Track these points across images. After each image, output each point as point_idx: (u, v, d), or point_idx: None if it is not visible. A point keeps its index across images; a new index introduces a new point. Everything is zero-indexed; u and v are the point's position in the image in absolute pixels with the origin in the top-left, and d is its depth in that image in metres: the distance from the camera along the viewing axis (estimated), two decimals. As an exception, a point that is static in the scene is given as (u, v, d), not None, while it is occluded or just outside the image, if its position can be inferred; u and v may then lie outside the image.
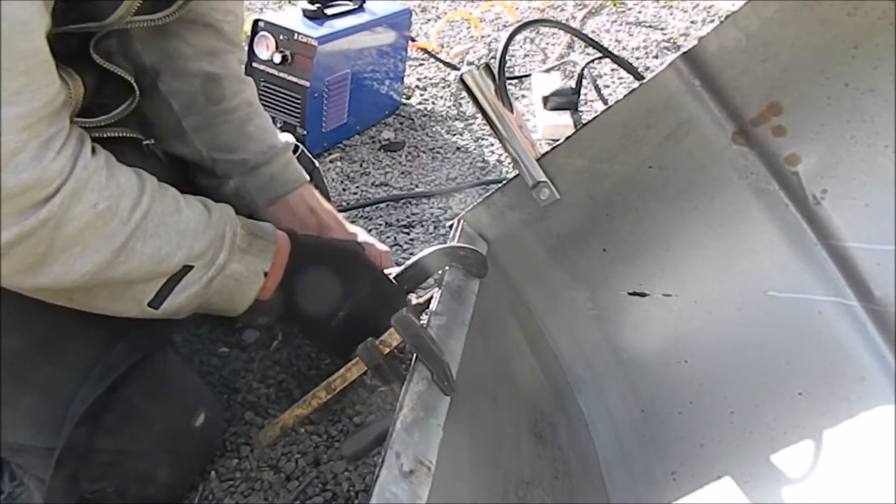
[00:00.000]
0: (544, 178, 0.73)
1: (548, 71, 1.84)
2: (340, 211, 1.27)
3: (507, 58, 1.95)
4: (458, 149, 1.54)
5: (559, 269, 0.80)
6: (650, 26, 2.19)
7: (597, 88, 1.75)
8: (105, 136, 0.70)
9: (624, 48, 2.03)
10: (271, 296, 0.68)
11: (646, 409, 0.78)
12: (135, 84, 0.71)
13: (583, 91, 1.66)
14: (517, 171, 0.74)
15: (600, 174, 0.73)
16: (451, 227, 0.79)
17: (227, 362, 0.91)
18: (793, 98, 0.63)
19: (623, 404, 0.79)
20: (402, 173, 1.43)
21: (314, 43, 1.31)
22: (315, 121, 1.40)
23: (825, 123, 0.63)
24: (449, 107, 1.71)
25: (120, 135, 0.72)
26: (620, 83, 1.80)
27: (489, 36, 2.10)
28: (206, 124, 0.78)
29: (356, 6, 1.45)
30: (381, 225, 1.25)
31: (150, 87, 0.75)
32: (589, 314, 0.80)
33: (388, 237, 1.22)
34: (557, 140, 0.73)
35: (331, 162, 1.45)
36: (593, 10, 2.31)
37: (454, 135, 1.59)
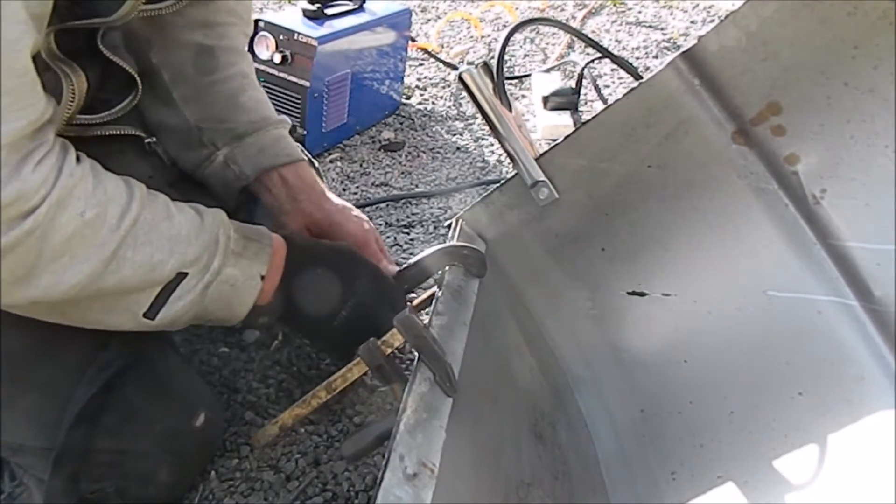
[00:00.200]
0: (543, 178, 0.73)
1: (548, 71, 1.84)
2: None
3: (508, 58, 1.95)
4: (458, 149, 1.54)
5: (558, 268, 0.80)
6: (650, 26, 2.19)
7: (597, 88, 1.75)
8: (106, 133, 0.70)
9: (624, 48, 2.03)
10: (270, 299, 0.67)
11: (645, 409, 0.78)
12: (138, 78, 0.70)
13: (583, 91, 1.66)
14: (516, 171, 0.74)
15: (599, 174, 0.73)
16: (450, 226, 0.79)
17: (227, 362, 0.91)
18: (792, 97, 0.63)
19: (623, 404, 0.79)
20: (402, 173, 1.43)
21: (314, 43, 1.31)
22: (315, 121, 1.40)
23: (825, 123, 0.63)
24: (449, 107, 1.71)
25: (121, 133, 0.72)
26: (620, 83, 1.80)
27: (489, 36, 2.10)
28: (196, 95, 0.77)
29: (356, 6, 1.45)
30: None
31: (143, 58, 0.75)
32: (588, 314, 0.80)
33: (388, 237, 1.22)
34: (557, 140, 0.73)
35: (331, 162, 1.45)
36: (593, 10, 2.31)
37: (454, 135, 1.59)
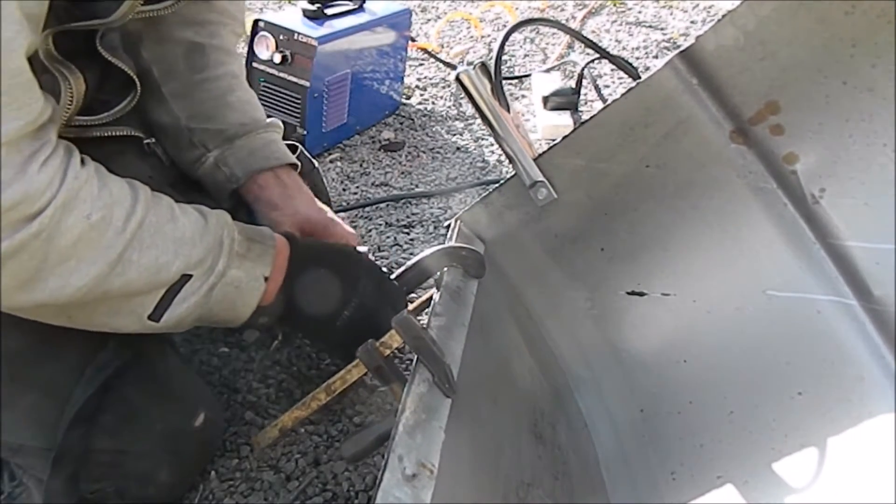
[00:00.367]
0: (542, 178, 0.73)
1: (548, 71, 1.84)
2: (340, 211, 1.28)
3: (508, 58, 1.95)
4: (458, 149, 1.54)
5: (557, 268, 0.80)
6: (650, 26, 2.18)
7: (597, 88, 1.75)
8: (106, 134, 0.70)
9: (624, 48, 2.03)
10: (273, 300, 0.67)
11: (645, 409, 0.77)
12: (136, 79, 0.70)
13: (583, 91, 1.66)
14: (515, 171, 0.74)
15: (598, 173, 0.73)
16: (449, 227, 0.79)
17: (227, 362, 0.91)
18: (791, 96, 0.63)
19: (622, 404, 0.79)
20: (402, 173, 1.43)
21: (314, 43, 1.32)
22: (315, 121, 1.40)
23: (823, 122, 0.63)
24: (449, 107, 1.71)
25: (120, 133, 0.72)
26: (620, 83, 1.80)
27: (489, 36, 2.10)
28: (185, 91, 0.78)
29: (356, 6, 1.46)
30: (381, 225, 1.25)
31: (134, 53, 0.75)
32: (588, 314, 0.80)
33: (388, 237, 1.22)
34: (557, 140, 0.73)
35: (331, 162, 1.45)
36: (593, 10, 2.30)
37: (454, 135, 1.59)
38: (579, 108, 1.63)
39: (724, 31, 0.62)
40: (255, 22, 1.35)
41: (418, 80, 1.81)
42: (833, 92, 0.61)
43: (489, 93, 0.72)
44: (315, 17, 1.37)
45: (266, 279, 0.65)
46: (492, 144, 1.54)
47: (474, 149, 1.54)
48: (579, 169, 0.73)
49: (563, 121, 1.57)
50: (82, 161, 0.55)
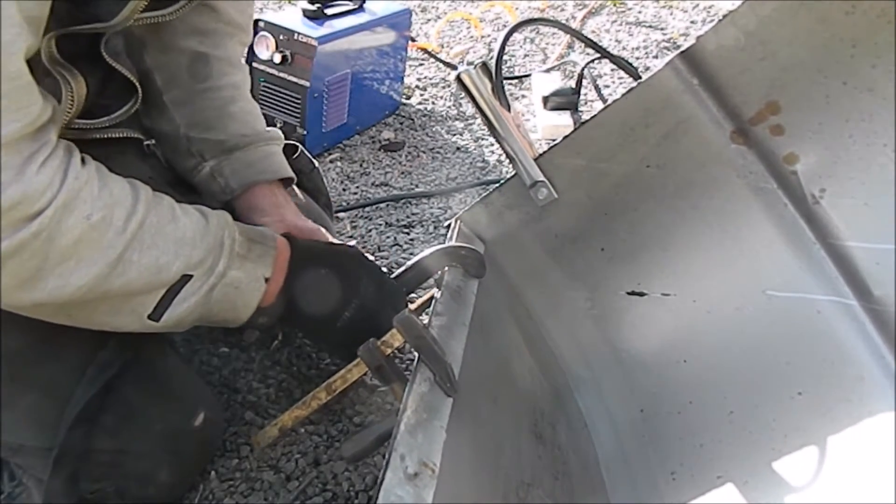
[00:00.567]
0: (542, 178, 0.73)
1: (548, 71, 1.84)
2: (340, 211, 1.28)
3: (508, 58, 1.96)
4: (458, 149, 1.54)
5: (558, 268, 0.80)
6: (650, 26, 2.18)
7: (597, 88, 1.75)
8: (106, 136, 0.70)
9: (624, 48, 2.03)
10: (274, 300, 0.67)
11: (645, 409, 0.77)
12: (138, 85, 0.70)
13: (583, 91, 1.66)
14: (515, 171, 0.74)
15: (598, 173, 0.73)
16: (449, 227, 0.79)
17: (227, 362, 0.91)
18: (791, 97, 0.63)
19: (622, 404, 0.79)
20: (402, 173, 1.43)
21: (314, 43, 1.32)
22: (315, 121, 1.40)
23: (824, 122, 0.63)
24: (449, 107, 1.71)
25: (120, 135, 0.72)
26: (620, 83, 1.80)
27: (489, 36, 2.10)
28: (187, 100, 0.77)
29: (356, 6, 1.46)
30: (381, 225, 1.25)
31: (137, 60, 0.75)
32: (588, 314, 0.80)
33: (388, 237, 1.22)
34: (557, 140, 0.73)
35: (331, 162, 1.45)
36: (593, 10, 2.31)
37: (454, 135, 1.59)
38: (579, 108, 1.63)
39: (724, 31, 0.62)
40: (256, 22, 1.35)
41: (418, 80, 1.81)
42: (833, 92, 0.61)
43: (489, 93, 0.72)
44: (315, 17, 1.37)
45: (267, 280, 0.65)
46: (492, 144, 1.54)
47: (474, 149, 1.54)
48: (579, 169, 0.73)
49: (563, 121, 1.57)
50: (83, 161, 0.55)
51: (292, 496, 0.75)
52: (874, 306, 0.65)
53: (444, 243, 0.73)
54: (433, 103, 1.72)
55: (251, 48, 1.36)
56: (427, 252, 0.71)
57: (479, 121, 1.62)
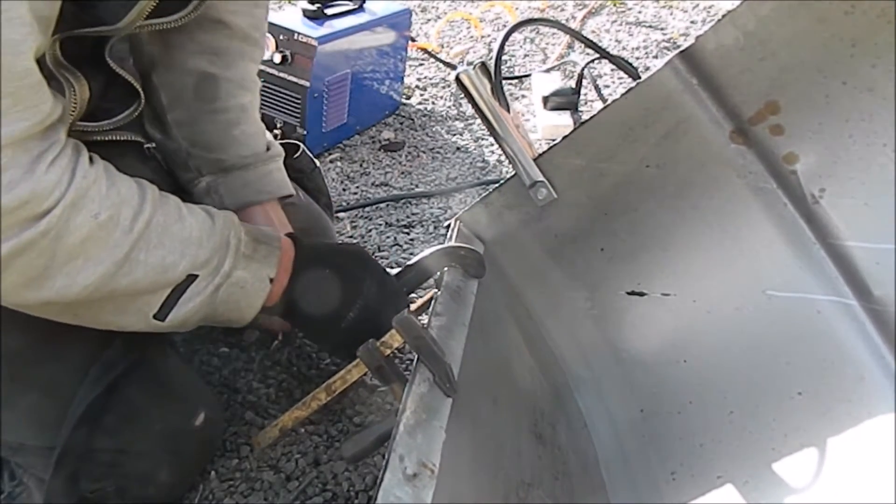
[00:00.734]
0: (541, 178, 0.73)
1: (548, 71, 1.84)
2: (340, 211, 1.28)
3: (508, 58, 1.96)
4: (458, 149, 1.54)
5: (557, 268, 0.80)
6: (650, 26, 2.18)
7: (597, 88, 1.75)
8: (107, 138, 0.70)
9: (624, 48, 2.03)
10: (278, 300, 0.67)
11: (645, 409, 0.77)
12: (141, 91, 0.70)
13: (583, 91, 1.66)
14: (515, 171, 0.74)
15: (598, 173, 0.73)
16: (449, 227, 0.79)
17: (227, 362, 0.91)
18: (791, 96, 0.63)
19: (622, 404, 0.79)
20: (402, 173, 1.43)
21: (314, 43, 1.32)
22: (315, 121, 1.40)
23: (823, 122, 0.63)
24: (449, 107, 1.71)
25: (122, 138, 0.72)
26: (620, 83, 1.80)
27: (489, 36, 2.10)
28: (190, 120, 0.77)
29: (356, 6, 1.46)
30: (381, 225, 1.25)
31: (145, 76, 0.75)
32: (588, 314, 0.80)
33: (388, 237, 1.22)
34: (557, 140, 0.73)
35: (331, 162, 1.45)
36: (593, 10, 2.30)
37: (454, 135, 1.59)
38: (579, 108, 1.63)
39: (724, 31, 0.62)
40: (255, 22, 1.35)
41: (418, 80, 1.81)
42: (833, 92, 0.61)
43: (489, 93, 0.72)
44: (315, 17, 1.37)
45: (271, 280, 0.65)
46: (492, 144, 1.54)
47: (474, 149, 1.54)
48: (579, 169, 0.73)
49: (563, 121, 1.57)
50: (91, 160, 0.55)
51: (292, 496, 0.75)
52: (874, 306, 0.65)
53: (444, 243, 0.73)
54: (433, 103, 1.72)
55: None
56: (427, 252, 0.71)
57: (479, 121, 1.62)
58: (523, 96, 1.77)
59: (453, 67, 1.86)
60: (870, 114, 0.61)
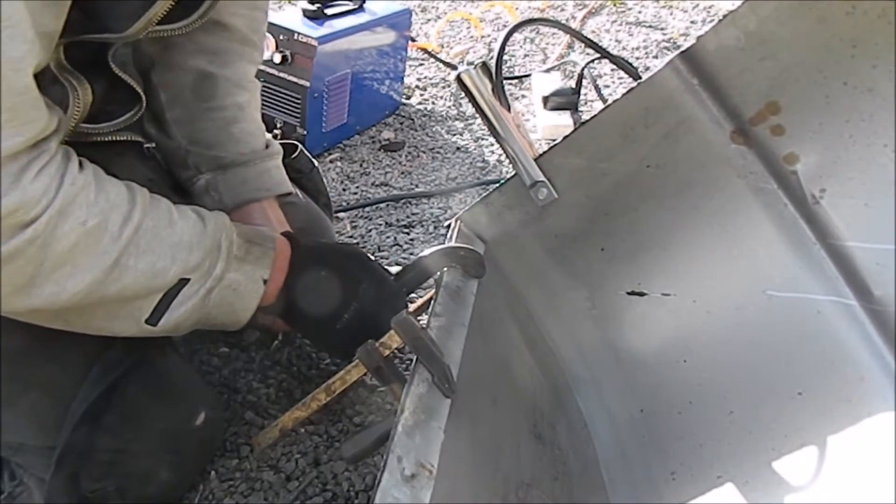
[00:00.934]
0: (542, 178, 0.73)
1: (548, 71, 1.84)
2: (340, 211, 1.28)
3: (508, 58, 1.95)
4: (458, 149, 1.54)
5: (558, 268, 0.80)
6: (650, 26, 2.18)
7: (597, 88, 1.75)
8: (107, 139, 0.70)
9: (624, 48, 2.03)
10: (274, 301, 0.67)
11: (645, 409, 0.77)
12: (143, 95, 0.71)
13: (583, 91, 1.66)
14: (515, 171, 0.74)
15: (599, 173, 0.73)
16: (449, 227, 0.79)
17: (227, 362, 0.91)
18: (791, 97, 0.63)
19: (622, 404, 0.79)
20: (402, 173, 1.43)
21: (314, 43, 1.32)
22: (315, 121, 1.40)
23: (824, 122, 0.63)
24: (449, 107, 1.71)
25: (122, 139, 0.72)
26: (620, 83, 1.80)
27: (489, 36, 2.10)
28: (189, 118, 0.78)
29: (356, 6, 1.46)
30: (381, 225, 1.25)
31: (143, 75, 0.75)
32: (588, 314, 0.80)
33: (388, 237, 1.22)
34: (557, 140, 0.73)
35: (331, 162, 1.45)
36: (593, 10, 2.30)
37: (454, 135, 1.59)
38: (579, 108, 1.63)
39: (724, 31, 0.62)
40: (256, 22, 1.35)
41: (418, 80, 1.81)
42: (833, 92, 0.61)
43: (489, 93, 0.72)
44: (315, 17, 1.37)
45: (265, 282, 0.65)
46: (492, 144, 1.54)
47: (474, 149, 1.54)
48: (579, 169, 0.73)
49: (563, 121, 1.57)
50: (81, 165, 0.55)
51: (292, 496, 0.75)
52: (874, 306, 0.65)
53: (444, 243, 0.73)
54: (433, 103, 1.72)
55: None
56: (426, 252, 0.71)
57: (479, 121, 1.62)
58: (523, 96, 1.77)
59: (453, 67, 1.86)
60: (870, 114, 0.61)
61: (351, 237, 1.22)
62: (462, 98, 1.71)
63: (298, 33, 1.32)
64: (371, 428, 0.61)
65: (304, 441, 0.81)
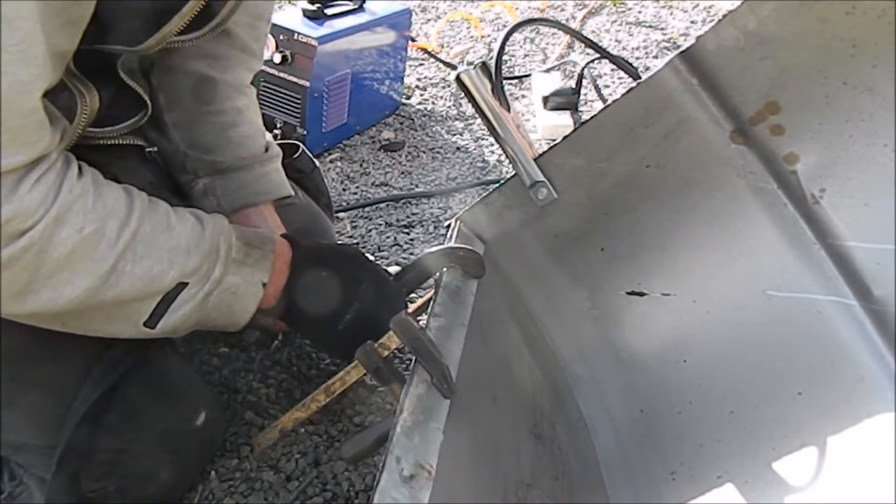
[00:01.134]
0: (542, 178, 0.73)
1: (548, 71, 1.84)
2: (340, 211, 1.28)
3: (508, 58, 1.95)
4: (458, 149, 1.54)
5: (558, 268, 0.80)
6: (650, 26, 2.18)
7: (597, 88, 1.75)
8: (109, 143, 0.70)
9: (624, 48, 2.03)
10: (275, 303, 0.67)
11: (645, 409, 0.77)
12: (149, 102, 0.71)
13: (583, 91, 1.66)
14: (515, 171, 0.74)
15: (598, 173, 0.73)
16: (449, 227, 0.79)
17: (227, 362, 0.91)
18: (791, 97, 0.63)
19: (622, 404, 0.79)
20: (402, 173, 1.43)
21: (314, 43, 1.32)
22: (315, 121, 1.40)
23: (824, 122, 0.63)
24: (449, 107, 1.71)
25: (124, 142, 0.72)
26: (620, 83, 1.80)
27: (489, 36, 2.10)
28: (188, 121, 0.78)
29: (356, 6, 1.46)
30: (381, 225, 1.25)
31: (144, 76, 0.75)
32: (588, 314, 0.80)
33: (388, 237, 1.22)
34: (557, 140, 0.73)
35: (331, 162, 1.45)
36: (593, 10, 2.30)
37: (454, 135, 1.59)
38: (579, 108, 1.63)
39: (724, 31, 0.62)
40: (256, 22, 1.35)
41: (418, 80, 1.81)
42: (833, 92, 0.61)
43: (489, 93, 0.72)
44: (315, 17, 1.37)
45: (265, 284, 0.65)
46: (492, 144, 1.54)
47: (474, 149, 1.54)
48: (579, 169, 0.73)
49: (563, 121, 1.57)
50: (80, 170, 0.55)
51: (292, 496, 0.75)
52: (874, 306, 0.65)
53: (443, 243, 0.73)
54: (433, 103, 1.72)
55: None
56: (426, 253, 0.71)
57: (479, 121, 1.62)
58: (523, 96, 1.77)
59: (453, 67, 1.86)
60: (870, 114, 0.61)
61: (351, 237, 1.22)
62: (462, 98, 1.72)
63: (298, 33, 1.33)
64: (371, 428, 0.61)
65: (304, 441, 0.81)
